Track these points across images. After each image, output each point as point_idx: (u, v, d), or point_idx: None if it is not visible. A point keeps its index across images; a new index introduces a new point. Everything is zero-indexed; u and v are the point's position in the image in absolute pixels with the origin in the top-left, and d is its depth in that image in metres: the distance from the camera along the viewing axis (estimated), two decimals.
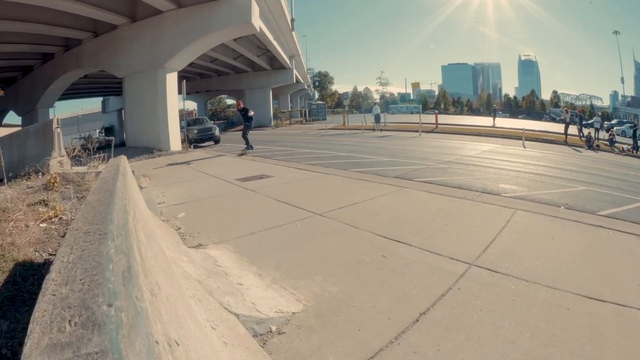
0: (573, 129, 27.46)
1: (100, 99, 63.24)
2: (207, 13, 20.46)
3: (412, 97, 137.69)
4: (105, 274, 1.06)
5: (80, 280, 1.05)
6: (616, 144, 26.07)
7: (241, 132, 17.71)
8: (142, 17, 22.30)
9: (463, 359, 2.61)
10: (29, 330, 0.84)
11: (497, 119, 40.53)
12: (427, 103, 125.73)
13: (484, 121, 42.82)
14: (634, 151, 24.68)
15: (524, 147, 20.53)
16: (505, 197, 7.93)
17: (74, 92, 43.01)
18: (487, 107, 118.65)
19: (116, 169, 3.19)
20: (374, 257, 4.33)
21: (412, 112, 75.16)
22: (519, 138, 23.32)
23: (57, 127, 10.13)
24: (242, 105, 18.05)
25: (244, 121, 17.63)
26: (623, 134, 37.13)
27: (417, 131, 28.05)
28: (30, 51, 26.75)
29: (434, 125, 32.08)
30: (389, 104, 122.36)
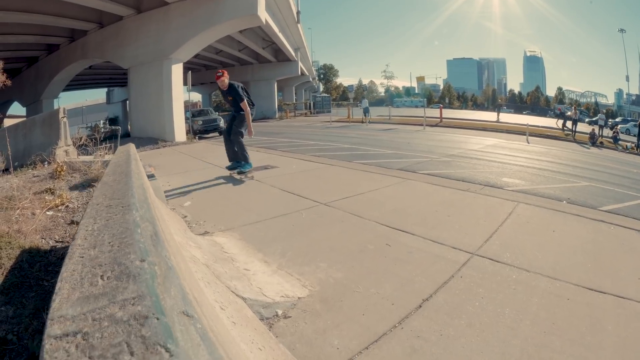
0: (582, 126, 27.80)
1: (105, 90, 63.67)
2: (214, 4, 20.48)
3: (416, 91, 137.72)
4: (134, 236, 1.14)
5: (109, 243, 1.12)
6: (620, 142, 26.12)
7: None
8: (148, 8, 22.38)
9: (464, 344, 2.66)
10: (56, 288, 0.89)
11: (501, 114, 40.91)
12: (431, 97, 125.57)
13: (489, 116, 42.93)
14: (638, 149, 24.70)
15: (528, 143, 20.60)
16: (508, 190, 7.98)
17: (78, 83, 43.19)
18: (492, 102, 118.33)
19: (127, 155, 3.27)
20: (378, 245, 4.38)
21: (416, 106, 75.04)
22: (523, 133, 23.38)
23: (63, 117, 10.20)
24: (226, 83, 8.51)
25: (234, 110, 8.78)
26: (627, 132, 37.17)
27: (422, 125, 28.09)
28: (35, 42, 26.92)
29: (438, 119, 32.15)
30: (393, 97, 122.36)
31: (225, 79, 8.47)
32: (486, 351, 2.60)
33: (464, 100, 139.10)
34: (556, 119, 30.61)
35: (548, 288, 3.50)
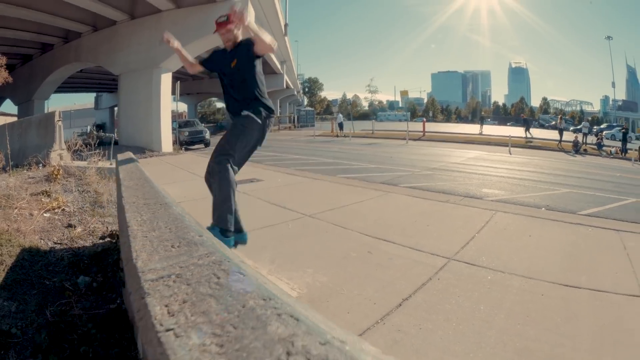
0: (567, 135, 28.68)
1: (94, 94, 64.03)
2: (205, 15, 20.94)
3: (400, 105, 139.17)
4: (184, 222, 1.45)
5: (166, 227, 1.40)
6: (604, 148, 26.91)
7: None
8: (141, 15, 23.02)
9: (442, 336, 2.94)
10: (133, 257, 1.15)
11: (485, 126, 41.71)
12: (415, 111, 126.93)
13: (472, 129, 43.59)
14: (623, 153, 25.43)
15: (510, 154, 21.09)
16: (487, 200, 8.37)
17: (68, 85, 43.45)
18: (476, 115, 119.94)
19: (134, 163, 3.56)
20: (360, 253, 4.67)
21: (400, 120, 75.96)
22: (506, 145, 23.89)
23: (58, 120, 10.49)
24: (237, 37, 4.20)
25: (234, 102, 4.20)
26: (613, 137, 38.02)
27: (404, 139, 28.53)
28: (30, 40, 27.42)
29: (421, 133, 32.64)
30: (377, 111, 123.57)
31: (237, 31, 4.19)
32: (462, 341, 2.88)
33: (448, 114, 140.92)
34: (524, 129, 31.60)
35: (523, 286, 3.81)
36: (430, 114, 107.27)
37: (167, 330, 0.72)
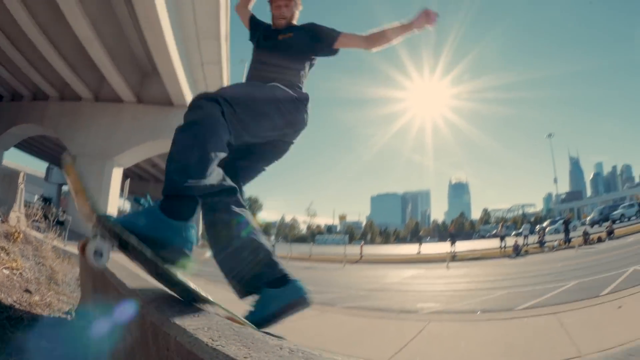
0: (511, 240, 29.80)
1: (47, 165, 62.95)
2: (163, 116, 22.39)
3: (338, 229, 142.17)
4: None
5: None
6: (546, 244, 28.07)
7: None
8: (105, 99, 24.65)
9: None
10: (170, 320, 1.53)
11: (424, 245, 42.89)
12: (353, 234, 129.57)
13: (411, 249, 44.69)
14: (566, 244, 26.62)
15: (448, 268, 21.72)
16: (421, 313, 8.58)
17: (26, 145, 43.66)
18: (415, 235, 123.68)
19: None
20: None
21: (338, 244, 77.09)
22: (444, 260, 24.62)
23: (21, 183, 10.73)
24: (294, 15, 3.37)
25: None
26: (557, 231, 39.65)
27: (342, 262, 28.91)
28: (6, 79, 27.82)
29: (359, 256, 33.21)
30: (314, 235, 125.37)
31: (296, 9, 3.42)
32: None
33: (387, 236, 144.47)
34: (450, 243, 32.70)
35: None
36: (369, 237, 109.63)
37: (216, 345, 1.25)
